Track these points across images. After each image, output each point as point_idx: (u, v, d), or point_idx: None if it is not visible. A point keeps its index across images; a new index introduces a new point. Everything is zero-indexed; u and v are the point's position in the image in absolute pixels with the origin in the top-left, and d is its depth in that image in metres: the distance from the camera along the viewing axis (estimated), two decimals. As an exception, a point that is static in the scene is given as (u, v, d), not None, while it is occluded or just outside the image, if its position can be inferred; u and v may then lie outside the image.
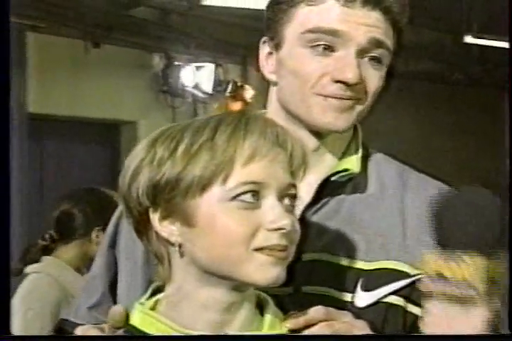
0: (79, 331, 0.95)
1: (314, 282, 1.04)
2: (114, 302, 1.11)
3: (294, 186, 0.90)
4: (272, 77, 1.09)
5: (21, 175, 4.61)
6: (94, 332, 0.93)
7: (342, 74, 1.02)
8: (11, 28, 0.97)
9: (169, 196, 0.87)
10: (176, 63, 5.12)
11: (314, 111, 1.04)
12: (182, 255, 0.89)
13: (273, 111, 1.10)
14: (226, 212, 0.86)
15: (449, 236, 0.92)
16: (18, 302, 2.25)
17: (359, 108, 1.05)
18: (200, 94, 5.14)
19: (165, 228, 0.89)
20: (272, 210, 0.87)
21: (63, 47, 4.75)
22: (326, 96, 1.03)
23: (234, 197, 0.86)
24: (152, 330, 0.89)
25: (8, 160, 0.94)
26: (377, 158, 1.13)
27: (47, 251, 2.40)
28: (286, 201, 0.89)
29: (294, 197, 0.90)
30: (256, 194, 0.87)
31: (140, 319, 0.91)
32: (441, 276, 0.90)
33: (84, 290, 1.17)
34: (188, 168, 0.86)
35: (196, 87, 5.10)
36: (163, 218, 0.89)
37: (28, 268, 2.35)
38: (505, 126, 1.10)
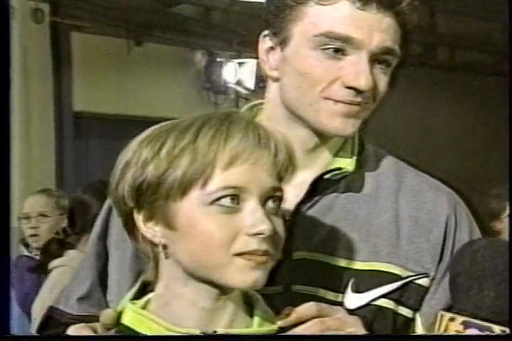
0: (71, 330, 0.94)
1: (304, 281, 1.03)
2: (104, 294, 1.11)
3: (278, 189, 0.88)
4: (273, 74, 1.06)
5: (68, 172, 4.68)
6: (86, 331, 0.92)
7: (355, 81, 1.00)
8: (11, 30, 0.96)
9: (151, 198, 0.87)
10: (218, 60, 5.14)
11: (322, 115, 1.02)
12: (167, 256, 0.89)
13: (272, 106, 1.08)
14: (206, 216, 0.85)
15: (470, 299, 0.86)
16: (44, 297, 2.27)
17: (365, 113, 1.04)
18: (243, 91, 5.14)
19: (149, 229, 0.89)
20: (251, 215, 0.86)
21: (107, 46, 4.81)
22: (336, 101, 1.01)
23: (213, 201, 0.85)
24: (143, 329, 0.89)
25: (9, 160, 0.94)
26: (375, 156, 1.11)
27: (67, 245, 2.42)
28: (270, 204, 0.88)
29: (279, 200, 0.89)
30: (236, 198, 0.86)
31: (131, 318, 0.90)
32: None
33: (74, 279, 1.16)
34: (169, 170, 0.86)
35: (238, 83, 5.10)
36: (147, 219, 0.89)
37: (53, 263, 2.37)
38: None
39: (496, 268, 0.87)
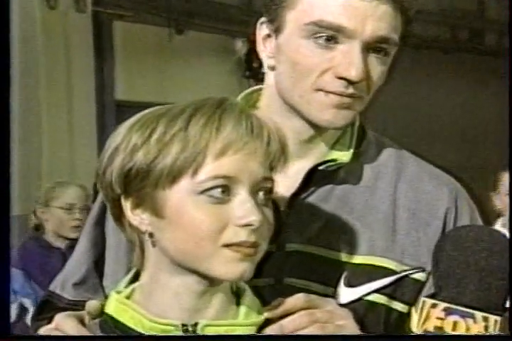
0: (58, 317, 0.92)
1: (297, 274, 1.01)
2: (100, 279, 1.10)
3: (269, 179, 0.87)
4: (270, 62, 1.03)
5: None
6: (72, 320, 0.91)
7: (346, 71, 0.97)
8: (10, 27, 0.96)
9: (140, 185, 0.85)
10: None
11: (314, 107, 0.99)
12: (154, 244, 0.87)
13: (269, 94, 1.06)
14: (195, 206, 0.84)
15: (452, 286, 0.84)
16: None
17: (359, 105, 1.01)
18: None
19: (136, 216, 0.87)
20: (241, 205, 0.84)
21: (148, 34, 4.83)
22: (327, 92, 0.99)
23: (203, 191, 0.83)
24: (126, 319, 0.88)
25: (9, 160, 0.93)
26: (377, 145, 1.08)
27: None
28: (261, 195, 0.86)
29: (269, 191, 0.87)
30: (226, 188, 0.84)
31: (115, 307, 0.89)
32: (440, 330, 0.82)
33: (70, 264, 1.15)
34: (159, 157, 0.84)
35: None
36: (134, 206, 0.87)
37: None
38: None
39: (480, 253, 0.84)
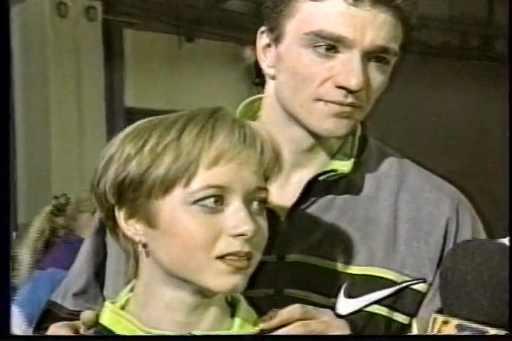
0: (52, 328, 0.93)
1: (297, 285, 1.00)
2: (101, 289, 1.10)
3: (263, 189, 0.86)
4: (270, 71, 1.03)
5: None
6: (66, 330, 0.91)
7: (346, 81, 0.96)
8: (10, 27, 0.94)
9: (133, 195, 0.84)
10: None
11: (313, 116, 0.99)
12: (147, 255, 0.87)
13: (269, 104, 1.05)
14: (188, 216, 0.83)
15: (464, 302, 0.82)
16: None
17: (359, 114, 1.00)
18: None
19: (130, 227, 0.86)
20: (235, 215, 0.83)
21: (158, 42, 4.85)
22: (326, 101, 0.98)
23: (196, 201, 0.83)
24: (119, 329, 0.87)
25: (8, 160, 0.92)
26: (378, 155, 1.07)
27: None
28: (255, 205, 0.85)
29: (264, 201, 0.86)
30: (219, 198, 0.83)
31: (109, 318, 0.89)
32: None
33: (71, 274, 1.14)
34: (152, 167, 0.83)
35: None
36: (128, 217, 0.86)
37: None
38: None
39: (492, 269, 0.82)
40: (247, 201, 0.85)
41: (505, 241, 0.85)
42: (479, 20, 6.02)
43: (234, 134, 0.84)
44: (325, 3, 0.97)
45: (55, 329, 0.93)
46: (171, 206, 0.84)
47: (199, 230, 0.83)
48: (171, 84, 4.88)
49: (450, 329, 0.82)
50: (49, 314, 1.12)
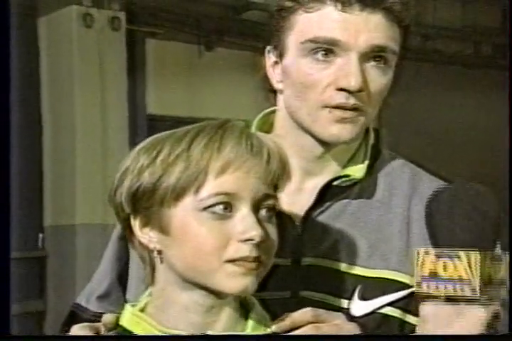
0: (74, 329, 0.94)
1: (312, 287, 1.01)
2: (124, 293, 1.11)
3: (271, 197, 0.88)
4: (279, 86, 1.06)
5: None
6: (87, 331, 0.93)
7: (345, 82, 0.98)
8: (11, 28, 0.95)
9: (147, 204, 0.87)
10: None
11: (319, 124, 1.01)
12: (162, 261, 0.89)
13: (282, 116, 1.07)
14: (198, 222, 0.85)
15: (444, 234, 0.88)
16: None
17: (363, 119, 1.01)
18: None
19: (145, 235, 0.89)
20: (242, 221, 0.85)
21: (179, 51, 4.89)
22: (331, 107, 0.99)
23: (206, 208, 0.85)
24: (139, 331, 0.90)
25: (8, 160, 0.94)
26: (390, 161, 1.08)
27: None
28: (263, 212, 0.87)
29: (272, 208, 0.88)
30: (228, 205, 0.86)
31: (129, 320, 0.91)
32: (435, 275, 0.86)
33: (96, 277, 1.15)
34: (164, 177, 0.86)
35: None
36: (143, 225, 0.89)
37: None
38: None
39: (468, 205, 0.88)
40: (256, 208, 0.87)
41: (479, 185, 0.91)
42: (491, 30, 6.00)
43: (241, 144, 0.86)
44: (317, 13, 0.99)
45: (77, 329, 0.94)
46: (182, 213, 0.86)
47: (209, 236, 0.85)
48: (191, 91, 4.92)
49: (430, 258, 0.86)
50: (74, 315, 1.13)
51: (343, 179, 1.05)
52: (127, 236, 0.92)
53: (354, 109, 1.00)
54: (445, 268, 0.86)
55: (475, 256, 0.85)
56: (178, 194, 0.86)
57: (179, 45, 4.87)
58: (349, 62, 0.99)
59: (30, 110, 4.28)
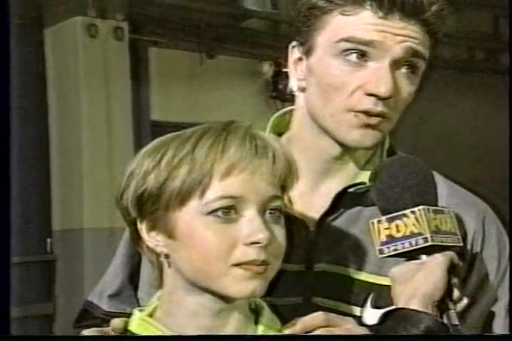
0: (84, 333, 0.93)
1: (324, 294, 0.99)
2: (135, 291, 1.10)
3: (278, 198, 0.86)
4: (301, 84, 1.01)
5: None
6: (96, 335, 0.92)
7: (376, 88, 0.94)
8: (11, 30, 0.94)
9: (152, 208, 0.85)
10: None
11: (342, 127, 0.97)
12: (169, 265, 0.87)
13: (300, 116, 1.04)
14: (204, 226, 0.83)
15: (390, 199, 0.92)
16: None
17: (386, 125, 0.98)
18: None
19: (152, 239, 0.87)
20: (249, 224, 0.83)
21: (181, 59, 4.90)
22: (357, 111, 0.96)
23: (211, 212, 0.83)
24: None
25: (8, 161, 0.92)
26: None
27: None
28: (270, 213, 0.85)
29: (279, 210, 0.86)
30: (234, 208, 0.83)
31: (137, 324, 0.90)
32: (391, 238, 0.90)
33: (107, 275, 1.14)
34: (168, 180, 0.84)
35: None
36: (149, 229, 0.87)
37: None
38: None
39: (412, 175, 0.93)
40: (262, 210, 0.85)
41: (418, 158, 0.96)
42: (485, 35, 6.00)
43: (245, 145, 0.84)
44: (355, 16, 0.96)
45: (87, 334, 0.93)
46: (188, 217, 0.84)
47: (215, 240, 0.83)
48: (193, 98, 4.93)
49: (384, 225, 0.92)
50: (86, 313, 1.12)
51: (359, 186, 1.02)
52: (135, 240, 0.90)
53: (379, 115, 0.97)
54: (398, 229, 0.90)
55: (419, 211, 0.89)
56: (183, 197, 0.84)
57: (181, 53, 4.88)
58: (382, 67, 0.95)
59: (37, 119, 4.29)
